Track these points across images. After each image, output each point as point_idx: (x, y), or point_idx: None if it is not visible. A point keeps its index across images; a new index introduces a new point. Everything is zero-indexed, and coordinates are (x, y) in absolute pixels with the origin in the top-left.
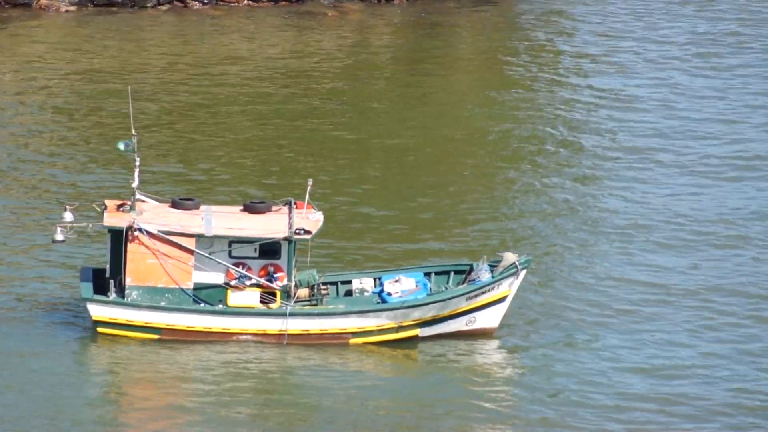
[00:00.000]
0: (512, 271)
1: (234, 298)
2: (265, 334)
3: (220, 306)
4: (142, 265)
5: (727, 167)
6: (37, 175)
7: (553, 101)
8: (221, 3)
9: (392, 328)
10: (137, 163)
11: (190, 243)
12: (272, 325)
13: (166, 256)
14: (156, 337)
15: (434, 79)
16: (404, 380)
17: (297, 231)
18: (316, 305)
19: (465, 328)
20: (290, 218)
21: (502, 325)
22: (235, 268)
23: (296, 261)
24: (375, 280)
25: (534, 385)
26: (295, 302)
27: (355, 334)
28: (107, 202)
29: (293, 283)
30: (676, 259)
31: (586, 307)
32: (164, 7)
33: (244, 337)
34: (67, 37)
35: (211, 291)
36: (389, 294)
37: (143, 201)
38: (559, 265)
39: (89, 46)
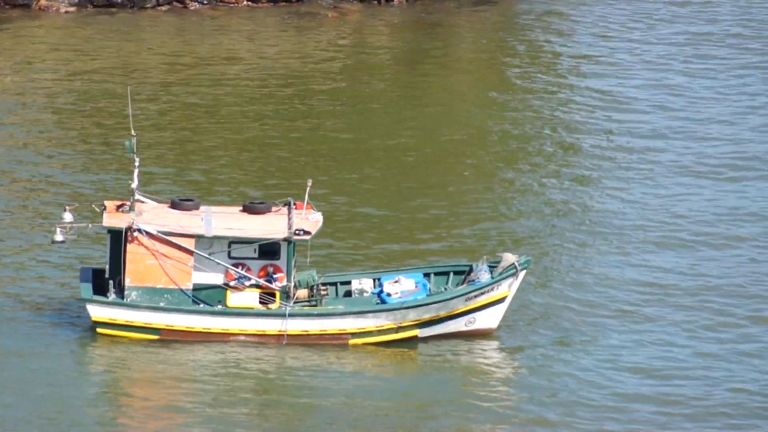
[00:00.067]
0: (512, 271)
1: (233, 299)
2: (264, 335)
3: (220, 306)
4: (142, 266)
5: (726, 168)
6: (36, 175)
7: (552, 102)
8: (221, 3)
9: (391, 328)
10: (137, 164)
11: (189, 243)
12: (271, 326)
13: (166, 256)
14: (155, 337)
15: (434, 80)
16: (404, 380)
17: (296, 231)
18: (315, 306)
19: (464, 328)
20: (290, 219)
21: (501, 326)
22: (235, 269)
23: (296, 261)
24: (374, 280)
25: (533, 385)
26: (295, 303)
27: (354, 335)
28: (106, 202)
29: (293, 284)
30: (674, 259)
31: (585, 307)
32: (164, 8)
33: (244, 337)
34: (67, 37)
35: (210, 291)
36: (389, 294)
37: (143, 201)
38: (558, 265)
39: (89, 46)
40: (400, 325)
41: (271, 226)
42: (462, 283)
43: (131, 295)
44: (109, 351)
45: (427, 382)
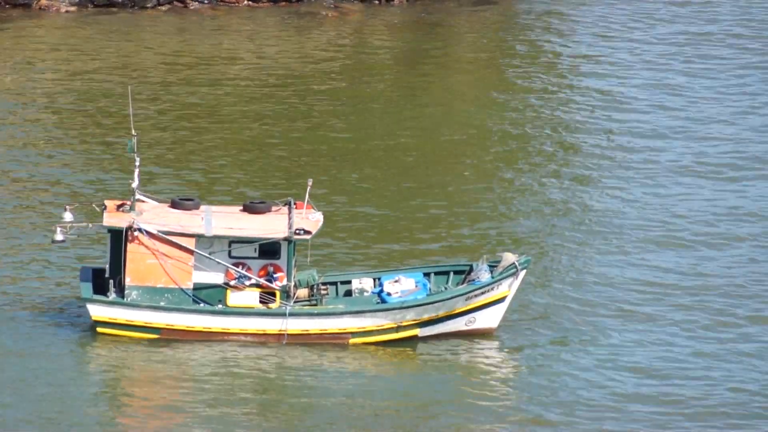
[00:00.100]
0: (512, 271)
1: (233, 298)
2: (264, 334)
3: (220, 306)
4: (142, 265)
5: (725, 167)
6: (36, 175)
7: (552, 101)
8: (221, 3)
9: (392, 328)
10: (137, 163)
11: (189, 243)
12: (272, 325)
13: (166, 256)
14: (155, 337)
15: (434, 80)
16: (404, 380)
17: (297, 231)
18: (315, 305)
19: (464, 328)
20: (290, 218)
21: (501, 326)
22: (235, 268)
23: (296, 261)
24: (374, 280)
25: (533, 385)
26: (295, 302)
27: (354, 334)
28: (107, 202)
29: (293, 283)
30: (674, 259)
31: (585, 307)
32: (164, 7)
33: (244, 337)
34: (67, 37)
35: (210, 291)
36: (389, 294)
37: (143, 201)
38: (558, 265)
39: (89, 46)
40: (400, 324)
41: (272, 225)
42: (462, 283)
43: (131, 295)
44: (109, 351)
45: (427, 382)
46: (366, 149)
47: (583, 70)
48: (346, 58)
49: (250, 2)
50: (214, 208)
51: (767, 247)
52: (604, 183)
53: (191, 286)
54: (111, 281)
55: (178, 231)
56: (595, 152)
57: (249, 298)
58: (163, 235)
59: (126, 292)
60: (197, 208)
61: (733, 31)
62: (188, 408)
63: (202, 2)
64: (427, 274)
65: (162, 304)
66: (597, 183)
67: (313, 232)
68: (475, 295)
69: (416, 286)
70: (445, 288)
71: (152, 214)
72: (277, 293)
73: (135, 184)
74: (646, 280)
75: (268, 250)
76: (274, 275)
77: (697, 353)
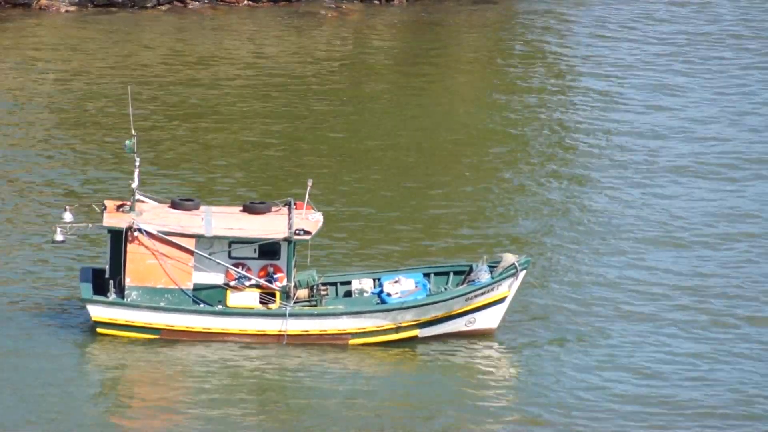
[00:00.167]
0: (512, 271)
1: (233, 299)
2: (264, 335)
3: (220, 306)
4: (142, 266)
5: (725, 168)
6: (36, 175)
7: (552, 102)
8: (221, 3)
9: (391, 328)
10: (137, 164)
11: (189, 243)
12: (272, 326)
13: (166, 256)
14: (155, 337)
15: (434, 80)
16: (403, 380)
17: (297, 231)
18: (315, 306)
19: (464, 328)
20: (290, 219)
21: (501, 326)
22: (235, 269)
23: (296, 261)
24: (374, 280)
25: (533, 386)
26: (295, 303)
27: (354, 335)
28: (107, 202)
29: (293, 284)
30: (673, 259)
31: (584, 307)
32: (164, 7)
33: (244, 337)
34: (67, 37)
35: (210, 291)
36: (389, 295)
37: (143, 201)
38: (557, 265)
39: (89, 46)
40: (400, 325)
41: (272, 226)
42: (462, 283)
43: (131, 295)
44: (109, 351)
45: (427, 382)
46: (366, 149)
47: (583, 70)
48: (346, 58)
49: (250, 2)
50: (214, 208)
51: (766, 248)
52: (603, 183)
53: (191, 287)
54: (111, 282)
55: (178, 231)
56: (595, 152)
57: (249, 298)
58: (163, 236)
59: (126, 292)
60: (197, 208)
61: (732, 31)
62: (188, 408)
63: (202, 2)
64: (427, 275)
65: (162, 304)
66: (596, 183)
67: (313, 232)
68: (475, 296)
69: (416, 287)
70: (445, 288)
71: (152, 215)
72: (277, 294)
73: (135, 184)
74: (645, 281)
75: (268, 250)
76: (274, 276)
77: (695, 354)
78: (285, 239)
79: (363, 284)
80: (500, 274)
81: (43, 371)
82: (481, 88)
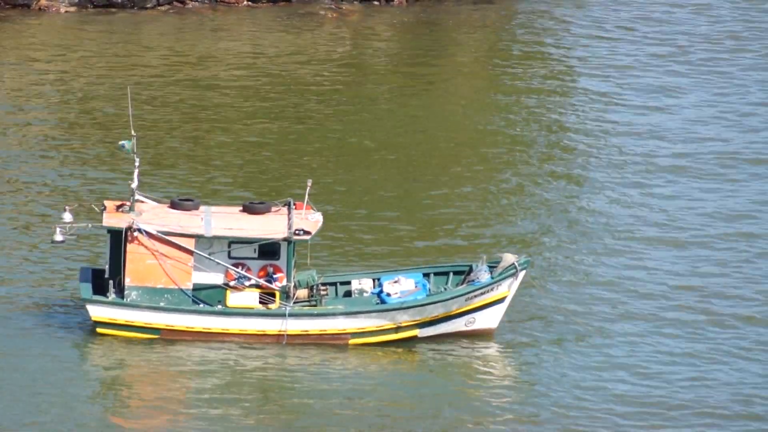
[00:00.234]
0: (511, 271)
1: (233, 299)
2: (264, 335)
3: (220, 306)
4: (142, 266)
5: (724, 168)
6: (35, 175)
7: (551, 102)
8: (221, 3)
9: (391, 328)
10: (137, 164)
11: (189, 243)
12: (271, 326)
13: (166, 256)
14: (155, 337)
15: (433, 80)
16: (403, 380)
17: (296, 232)
18: (315, 306)
19: (464, 328)
20: (289, 219)
21: (501, 326)
22: (235, 269)
23: (295, 261)
24: (374, 280)
25: (532, 386)
26: (294, 303)
27: (354, 335)
28: (106, 202)
29: (292, 284)
30: (672, 260)
31: (583, 308)
32: (164, 7)
33: (244, 337)
34: (67, 37)
35: (210, 291)
36: (388, 294)
37: (142, 201)
38: (557, 266)
39: (89, 46)
40: (399, 325)
41: (271, 226)
42: (462, 283)
43: (131, 295)
44: (109, 351)
45: (427, 382)
46: (366, 149)
47: (582, 70)
48: (346, 58)
49: (249, 2)
50: (213, 208)
51: (764, 248)
52: (602, 184)
53: (191, 287)
54: (111, 282)
55: (178, 231)
56: (593, 153)
57: (248, 298)
58: (163, 236)
59: (126, 292)
60: (197, 208)
61: (732, 31)
62: (188, 408)
63: (202, 2)
64: (426, 275)
65: (162, 304)
66: (595, 184)
67: (313, 232)
68: (475, 296)
69: (416, 287)
70: (445, 288)
71: (152, 215)
72: (277, 294)
73: (134, 184)
74: (643, 281)
75: (268, 250)
76: (274, 276)
77: (694, 354)
78: (285, 239)
79: (363, 284)
80: (500, 274)
81: (43, 371)
82: (480, 88)
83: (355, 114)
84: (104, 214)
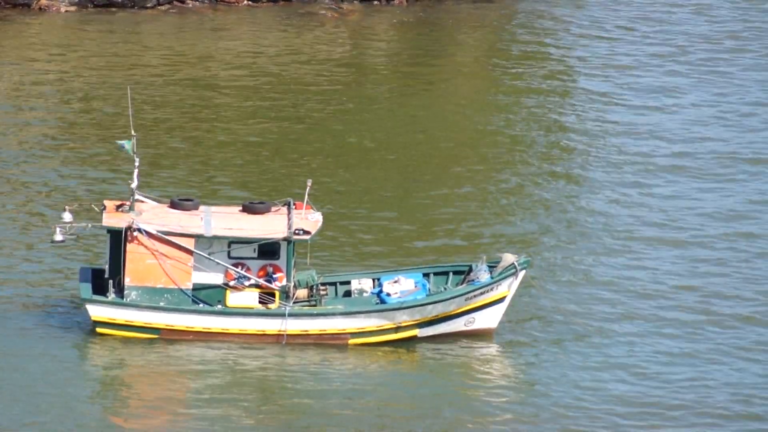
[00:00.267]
0: (511, 271)
1: (233, 299)
2: (264, 335)
3: (219, 306)
4: (141, 266)
5: (724, 168)
6: (35, 175)
7: (551, 102)
8: (221, 3)
9: (391, 328)
10: (136, 164)
11: (189, 243)
12: (271, 326)
13: (166, 256)
14: (155, 337)
15: (433, 80)
16: (403, 380)
17: (296, 231)
18: (314, 306)
19: (464, 328)
20: (289, 219)
21: (500, 326)
22: (234, 269)
23: (295, 261)
24: (374, 280)
25: (532, 386)
26: (294, 303)
27: (353, 335)
28: (106, 202)
29: (292, 284)
30: (672, 260)
31: (583, 308)
32: (164, 7)
33: (243, 337)
34: (67, 37)
35: (210, 291)
36: (388, 294)
37: (142, 201)
38: (557, 266)
39: (89, 46)
40: (399, 325)
41: (271, 226)
42: (461, 283)
43: (131, 295)
44: (109, 351)
45: (427, 382)
46: (365, 149)
47: (581, 70)
48: (346, 58)
49: (249, 2)
50: (213, 208)
51: (763, 248)
52: (602, 184)
53: (191, 287)
54: (110, 282)
55: (178, 231)
56: (593, 153)
57: (248, 298)
58: (163, 236)
59: (125, 292)
60: (196, 208)
61: (732, 31)
62: (188, 408)
63: (202, 2)
64: (426, 275)
65: (161, 304)
66: (594, 184)
67: (313, 232)
68: (475, 296)
69: (416, 287)
70: (445, 288)
71: (151, 215)
72: (277, 294)
73: (134, 184)
74: (643, 281)
75: (268, 250)
76: (274, 276)
77: (693, 354)
78: (284, 239)
79: (362, 284)
80: (500, 273)
81: (43, 371)
82: (480, 88)
83: (355, 114)
84: (104, 214)
